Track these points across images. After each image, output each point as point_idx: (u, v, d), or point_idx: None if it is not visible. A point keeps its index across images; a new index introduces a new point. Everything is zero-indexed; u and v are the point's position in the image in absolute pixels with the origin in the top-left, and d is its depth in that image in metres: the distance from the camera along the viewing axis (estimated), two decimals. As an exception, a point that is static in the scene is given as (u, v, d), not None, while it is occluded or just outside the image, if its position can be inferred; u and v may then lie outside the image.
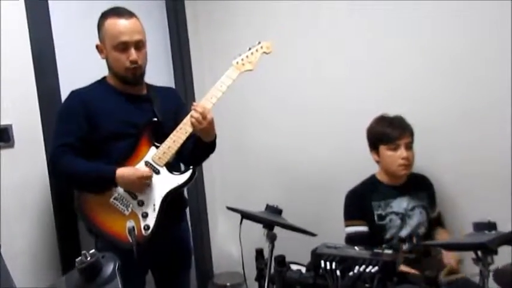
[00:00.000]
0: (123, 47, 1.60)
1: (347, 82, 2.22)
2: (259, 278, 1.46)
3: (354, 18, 2.16)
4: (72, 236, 1.93)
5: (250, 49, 1.70)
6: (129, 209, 1.59)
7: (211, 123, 1.62)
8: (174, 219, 1.76)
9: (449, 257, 1.78)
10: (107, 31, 1.61)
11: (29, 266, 1.78)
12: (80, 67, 1.99)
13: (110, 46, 1.61)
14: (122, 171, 1.56)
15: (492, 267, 1.14)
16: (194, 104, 1.63)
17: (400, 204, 1.86)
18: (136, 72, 1.65)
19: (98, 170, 1.59)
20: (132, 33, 1.61)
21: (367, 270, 1.16)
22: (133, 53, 1.61)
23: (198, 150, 1.73)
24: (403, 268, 1.67)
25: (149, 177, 1.59)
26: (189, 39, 2.63)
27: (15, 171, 1.76)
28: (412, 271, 1.66)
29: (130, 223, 1.47)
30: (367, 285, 1.14)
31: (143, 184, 1.58)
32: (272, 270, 1.36)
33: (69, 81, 1.88)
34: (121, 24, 1.60)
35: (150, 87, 1.78)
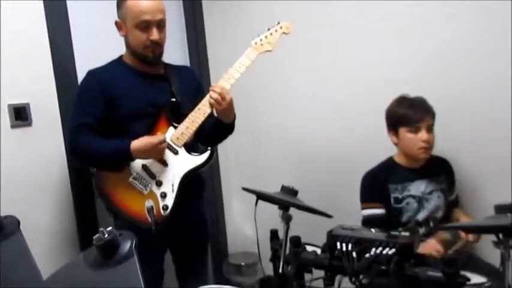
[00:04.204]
0: (145, 25, 1.59)
1: (362, 63, 2.18)
2: (274, 258, 1.46)
3: (369, 2, 2.10)
4: (89, 213, 1.96)
5: (269, 29, 1.67)
6: (148, 189, 1.61)
7: (230, 104, 1.61)
8: (193, 198, 1.77)
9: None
10: (129, 9, 1.59)
11: (47, 243, 1.82)
12: (95, 46, 1.99)
13: (132, 24, 1.59)
14: (135, 142, 1.57)
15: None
16: (212, 85, 1.62)
17: (418, 187, 1.83)
18: (156, 51, 1.64)
19: (114, 146, 1.60)
20: (155, 13, 1.59)
21: (384, 252, 1.14)
22: (155, 33, 1.60)
23: (216, 131, 1.73)
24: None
25: (163, 142, 1.58)
26: (204, 19, 2.60)
27: (33, 149, 1.79)
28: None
29: (149, 203, 1.48)
30: (383, 267, 1.13)
31: (159, 149, 1.58)
32: (287, 251, 1.36)
33: (84, 60, 1.89)
34: (144, 2, 1.58)
35: (167, 66, 1.77)
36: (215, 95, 1.58)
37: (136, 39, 1.61)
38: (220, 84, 1.61)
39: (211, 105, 1.60)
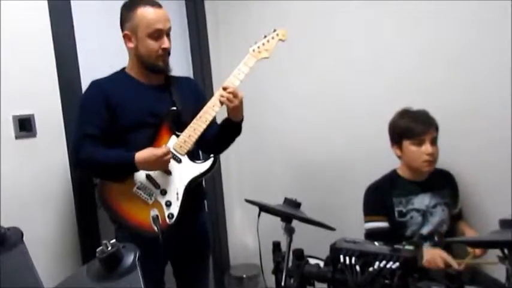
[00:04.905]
0: (158, 34, 1.62)
1: (365, 71, 2.18)
2: (276, 271, 1.44)
3: (371, 7, 2.12)
4: (92, 225, 1.96)
5: (265, 37, 1.69)
6: (153, 198, 1.61)
7: (241, 102, 1.64)
8: (195, 208, 1.77)
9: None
10: (140, 19, 1.61)
11: (49, 255, 1.81)
12: (100, 57, 2.00)
13: (144, 33, 1.61)
14: (140, 154, 1.58)
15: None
16: (223, 85, 1.64)
17: (422, 201, 1.82)
18: (166, 59, 1.67)
19: (118, 157, 1.61)
20: (165, 22, 1.64)
21: (388, 266, 1.13)
22: (166, 41, 1.63)
23: (226, 132, 1.75)
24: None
25: (167, 154, 1.59)
26: (208, 30, 2.63)
27: (37, 160, 1.79)
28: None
29: (154, 212, 1.49)
30: (387, 281, 1.12)
31: (163, 161, 1.59)
32: (290, 264, 1.35)
33: (89, 71, 1.90)
34: (156, 12, 1.62)
35: (168, 77, 1.77)
36: (226, 94, 1.60)
37: (148, 49, 1.63)
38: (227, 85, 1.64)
39: (222, 103, 1.62)
